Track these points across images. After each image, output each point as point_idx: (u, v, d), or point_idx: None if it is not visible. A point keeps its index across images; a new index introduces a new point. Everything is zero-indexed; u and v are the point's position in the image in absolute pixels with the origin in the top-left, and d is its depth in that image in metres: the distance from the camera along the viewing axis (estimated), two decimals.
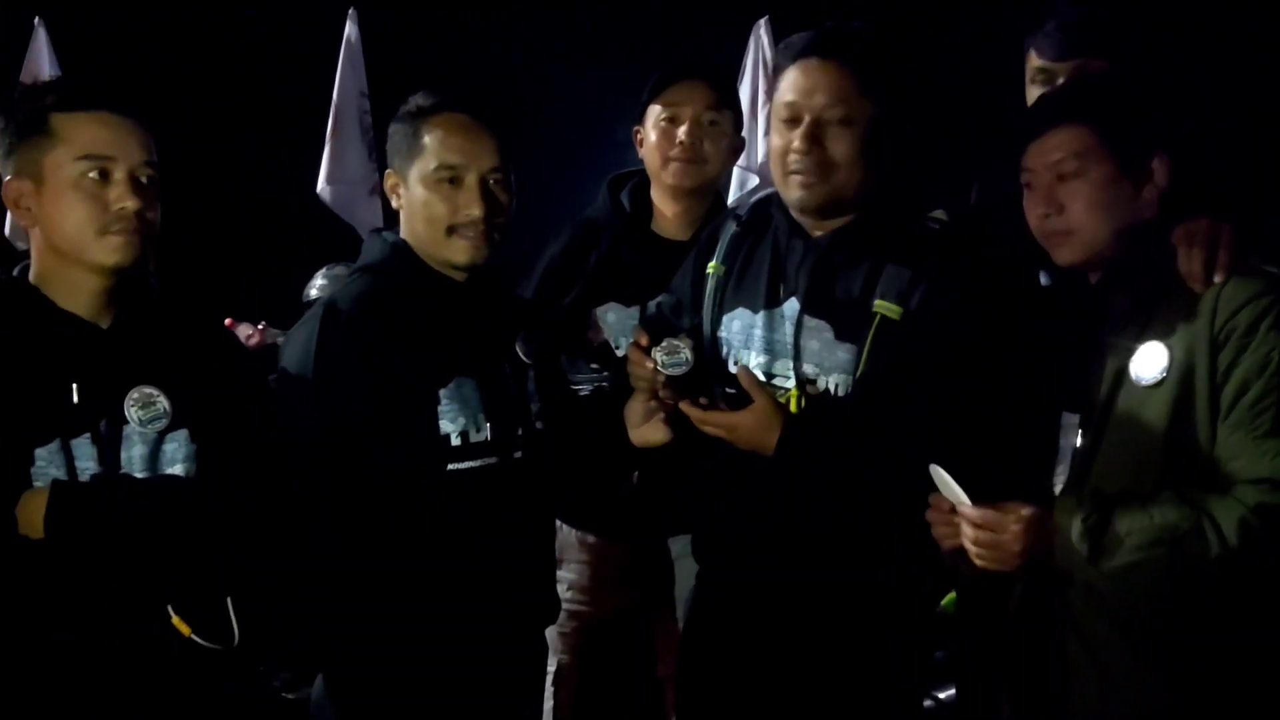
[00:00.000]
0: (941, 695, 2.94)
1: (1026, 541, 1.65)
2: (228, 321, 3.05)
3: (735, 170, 4.10)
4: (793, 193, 1.92)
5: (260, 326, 3.26)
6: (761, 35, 4.18)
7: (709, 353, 2.02)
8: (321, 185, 3.91)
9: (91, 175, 1.65)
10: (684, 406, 1.93)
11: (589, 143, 2.88)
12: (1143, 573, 1.60)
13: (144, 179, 1.68)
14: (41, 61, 3.91)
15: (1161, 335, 1.68)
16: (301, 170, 3.93)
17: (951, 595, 2.26)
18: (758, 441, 1.89)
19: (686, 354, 1.93)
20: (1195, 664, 1.65)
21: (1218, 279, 1.67)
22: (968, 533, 1.69)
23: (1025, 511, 1.65)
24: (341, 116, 3.91)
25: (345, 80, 3.92)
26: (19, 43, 3.93)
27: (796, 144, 1.88)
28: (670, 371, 1.92)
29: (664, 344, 1.93)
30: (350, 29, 3.95)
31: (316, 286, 3.29)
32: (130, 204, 1.65)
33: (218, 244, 3.84)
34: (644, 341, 1.96)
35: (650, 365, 1.93)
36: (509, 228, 1.94)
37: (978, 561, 1.70)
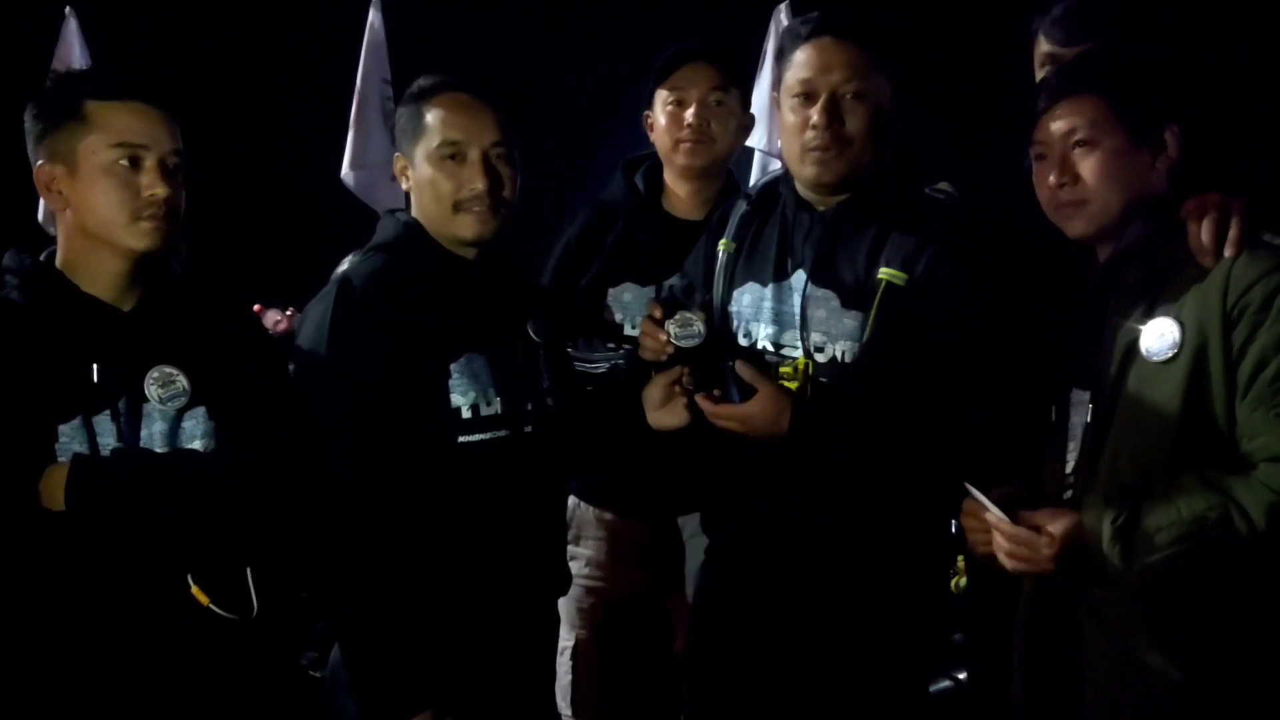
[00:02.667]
0: (961, 676, 2.94)
1: (1059, 552, 1.65)
2: (256, 307, 3.09)
3: (757, 155, 4.11)
4: (809, 170, 1.94)
5: (289, 312, 3.28)
6: (782, 19, 4.16)
7: (720, 326, 2.04)
8: (345, 170, 3.94)
9: (124, 163, 1.70)
10: (699, 400, 1.96)
11: (611, 126, 2.90)
12: (1175, 567, 1.60)
13: (172, 167, 1.73)
14: (72, 50, 3.95)
15: (1172, 311, 1.67)
16: (326, 156, 3.96)
17: (961, 579, 2.27)
18: (770, 429, 1.92)
19: (699, 326, 1.96)
20: (1223, 650, 1.64)
21: (1229, 254, 1.65)
22: (1002, 544, 1.70)
23: (1057, 529, 1.65)
24: (364, 103, 3.94)
25: (368, 67, 3.94)
26: (50, 32, 3.99)
27: (815, 119, 1.90)
28: (683, 344, 1.95)
29: (677, 316, 1.97)
30: (374, 16, 3.97)
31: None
32: (161, 191, 1.70)
33: (244, 230, 3.88)
34: (658, 314, 2.00)
35: (663, 338, 1.96)
36: (518, 205, 1.96)
37: (1010, 567, 1.71)
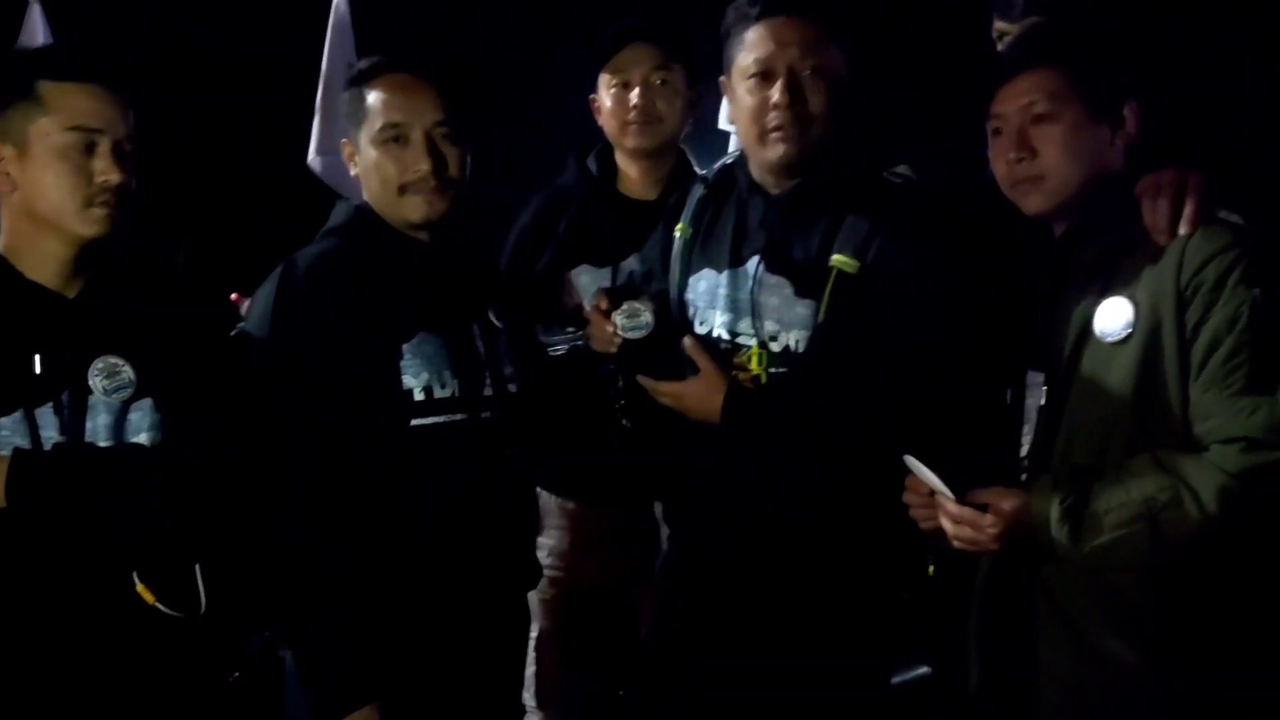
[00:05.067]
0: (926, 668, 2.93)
1: (1005, 531, 1.64)
2: (234, 296, 3.06)
3: (733, 139, 4.07)
4: (772, 151, 1.91)
5: None
6: None
7: (676, 313, 2.02)
8: (312, 156, 3.91)
9: (78, 146, 1.66)
10: (640, 378, 1.94)
11: (578, 113, 2.87)
12: (1124, 549, 1.59)
13: (126, 151, 1.69)
14: (35, 37, 3.91)
15: (1125, 290, 1.65)
16: (292, 142, 3.93)
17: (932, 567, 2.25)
18: (704, 409, 1.91)
19: (647, 317, 1.94)
20: (1173, 632, 1.63)
21: (1183, 231, 1.63)
22: (946, 524, 1.69)
23: (1005, 505, 1.64)
24: (330, 88, 3.89)
25: (334, 52, 3.90)
26: (14, 20, 3.94)
27: (776, 98, 1.87)
28: (630, 335, 1.93)
29: (624, 307, 1.94)
30: (339, 1, 3.94)
31: None
32: (115, 177, 1.67)
33: (213, 218, 3.85)
34: (604, 305, 1.98)
35: (610, 329, 1.94)
36: (469, 183, 1.94)
37: (956, 544, 1.70)
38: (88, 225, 1.67)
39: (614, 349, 2.00)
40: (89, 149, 1.67)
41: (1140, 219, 1.67)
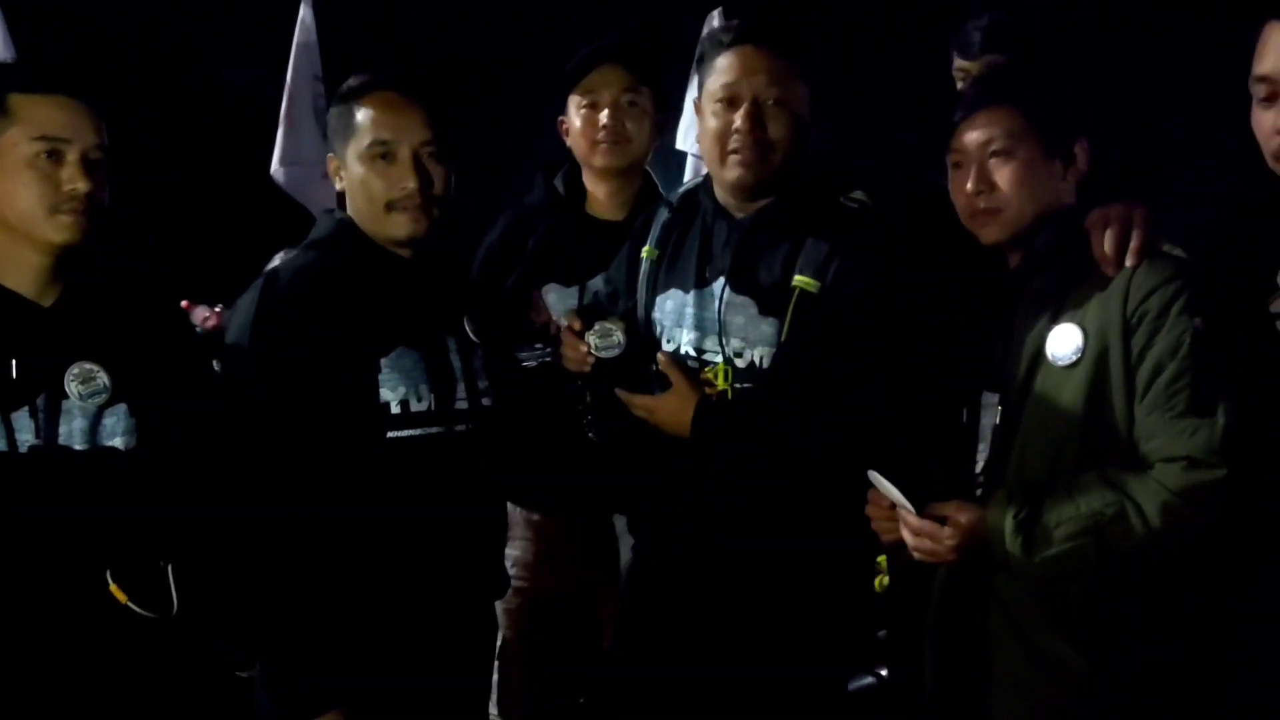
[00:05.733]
0: (883, 672, 2.99)
1: (963, 543, 1.72)
2: (184, 304, 3.06)
3: (690, 159, 4.15)
4: (731, 173, 1.97)
5: (217, 309, 3.25)
6: (715, 26, 4.24)
7: (644, 332, 2.08)
8: (275, 167, 3.93)
9: (45, 156, 1.69)
10: (618, 391, 1.99)
11: (542, 129, 2.92)
12: (1073, 561, 1.67)
13: (94, 161, 1.72)
14: None
15: (1075, 317, 1.73)
16: (256, 153, 3.94)
17: (884, 578, 2.32)
18: (675, 422, 1.97)
19: (619, 336, 1.99)
20: (1120, 639, 1.71)
21: (1130, 263, 1.72)
22: (907, 536, 1.76)
23: (962, 519, 1.71)
24: (295, 100, 3.93)
25: (299, 63, 3.93)
26: None
27: (738, 123, 1.94)
28: (603, 354, 1.98)
29: (597, 327, 1.99)
30: (304, 12, 3.96)
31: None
32: (82, 185, 1.69)
33: (173, 226, 3.85)
34: (577, 325, 2.03)
35: (584, 349, 1.99)
36: (449, 203, 1.97)
37: (915, 555, 1.77)
38: (56, 232, 1.69)
39: (586, 368, 2.05)
40: (56, 158, 1.69)
41: (1089, 250, 1.75)
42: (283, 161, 3.91)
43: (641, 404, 2.02)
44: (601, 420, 2.35)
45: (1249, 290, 1.72)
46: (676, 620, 2.08)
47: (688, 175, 4.24)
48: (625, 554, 2.50)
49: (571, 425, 2.37)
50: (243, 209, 3.93)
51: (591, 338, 2.00)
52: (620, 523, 2.52)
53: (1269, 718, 1.73)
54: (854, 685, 2.34)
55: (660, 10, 4.03)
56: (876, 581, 2.44)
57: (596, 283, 2.34)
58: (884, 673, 2.99)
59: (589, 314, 2.09)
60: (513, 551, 2.54)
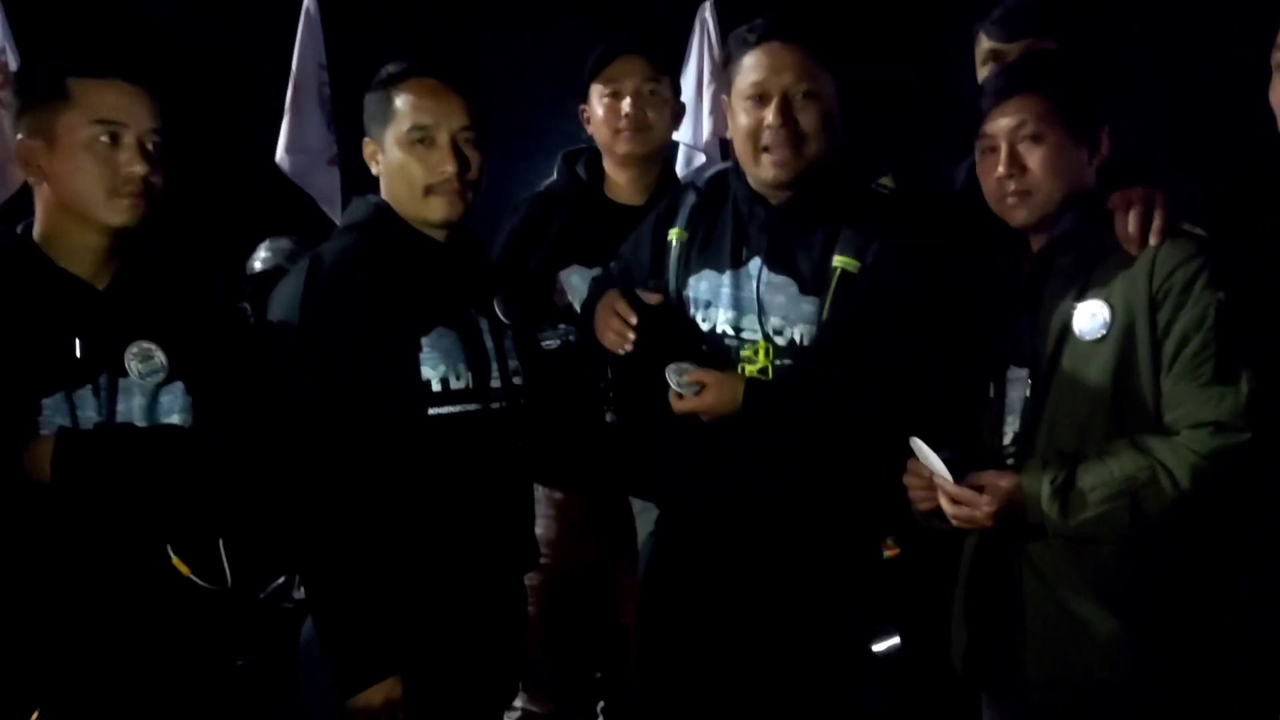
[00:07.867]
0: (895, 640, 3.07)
1: (1000, 509, 1.79)
2: None
3: (681, 149, 4.23)
4: (766, 172, 2.03)
5: None
6: (707, 18, 4.31)
7: (675, 310, 2.13)
8: (280, 154, 3.95)
9: (103, 139, 1.72)
10: (671, 399, 2.04)
11: (542, 119, 2.97)
12: (1108, 523, 1.75)
13: (150, 145, 1.76)
14: None
15: (1102, 294, 1.81)
16: (261, 139, 3.96)
17: (888, 552, 2.39)
18: (728, 409, 2.01)
19: (691, 373, 2.02)
20: (1153, 601, 1.79)
21: (1153, 242, 1.80)
22: (945, 504, 1.82)
23: (1000, 485, 1.78)
24: (300, 88, 3.96)
25: (304, 52, 3.96)
26: None
27: (770, 119, 1.99)
28: (683, 390, 2.03)
29: (672, 367, 2.02)
30: (309, 1, 3.99)
31: (260, 259, 3.25)
32: (139, 169, 1.73)
33: (177, 213, 3.86)
34: (633, 320, 2.06)
35: (673, 391, 2.03)
36: (482, 189, 2.03)
37: (954, 522, 1.84)
38: (114, 214, 1.73)
39: (623, 351, 2.09)
40: (114, 141, 1.73)
41: (1112, 230, 1.83)
42: (288, 149, 3.94)
43: (689, 408, 2.03)
44: (619, 399, 2.42)
45: (1266, 265, 1.81)
46: (697, 595, 2.13)
47: (679, 162, 4.32)
48: (640, 531, 2.57)
49: (591, 405, 2.45)
50: (246, 196, 3.95)
51: (672, 376, 2.03)
52: (636, 501, 2.58)
53: None
54: (879, 647, 2.41)
55: (653, 6, 4.09)
56: (884, 553, 2.50)
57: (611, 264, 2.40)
58: (895, 640, 3.07)
59: (628, 295, 2.13)
60: (535, 529, 2.60)
